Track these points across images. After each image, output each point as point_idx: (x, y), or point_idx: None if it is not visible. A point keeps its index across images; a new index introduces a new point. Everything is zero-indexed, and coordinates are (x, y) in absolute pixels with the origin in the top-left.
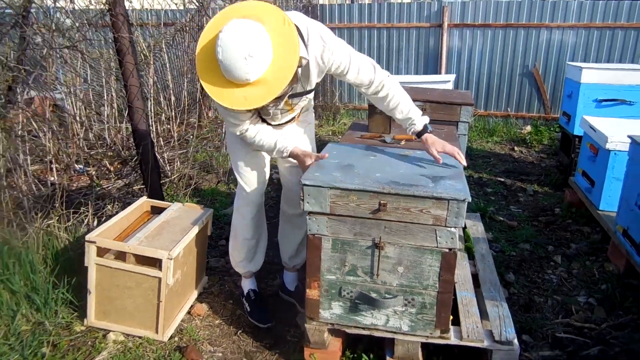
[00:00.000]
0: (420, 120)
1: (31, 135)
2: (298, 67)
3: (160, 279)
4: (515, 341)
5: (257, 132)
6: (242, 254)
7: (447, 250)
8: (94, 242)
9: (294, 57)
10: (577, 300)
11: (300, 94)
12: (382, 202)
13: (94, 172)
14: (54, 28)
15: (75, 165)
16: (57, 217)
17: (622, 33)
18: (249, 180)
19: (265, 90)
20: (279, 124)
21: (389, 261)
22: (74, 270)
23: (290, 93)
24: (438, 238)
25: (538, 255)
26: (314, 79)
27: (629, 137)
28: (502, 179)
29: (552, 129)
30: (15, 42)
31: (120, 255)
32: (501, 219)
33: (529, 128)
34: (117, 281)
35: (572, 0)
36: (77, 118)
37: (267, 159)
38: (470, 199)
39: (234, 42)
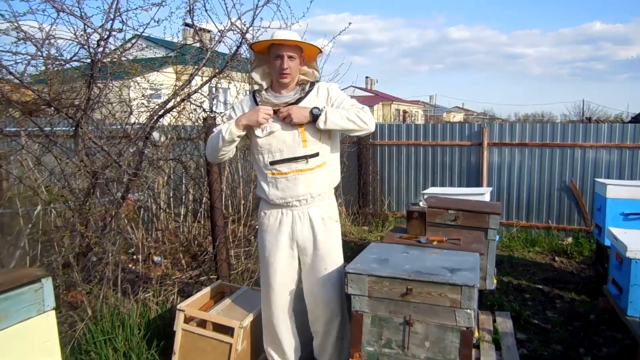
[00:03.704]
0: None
1: (118, 230)
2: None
3: (231, 345)
4: None
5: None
6: (269, 347)
7: (465, 329)
8: (183, 311)
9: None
10: None
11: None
12: (408, 287)
13: (169, 264)
14: (164, 144)
15: (154, 257)
16: (152, 292)
17: None
18: (270, 283)
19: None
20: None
21: (418, 336)
22: (160, 336)
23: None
24: (457, 318)
25: (569, 356)
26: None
27: None
28: (541, 286)
29: (592, 241)
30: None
31: (201, 324)
32: (536, 322)
33: (570, 240)
34: (197, 345)
35: (603, 124)
36: (161, 217)
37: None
38: (478, 284)
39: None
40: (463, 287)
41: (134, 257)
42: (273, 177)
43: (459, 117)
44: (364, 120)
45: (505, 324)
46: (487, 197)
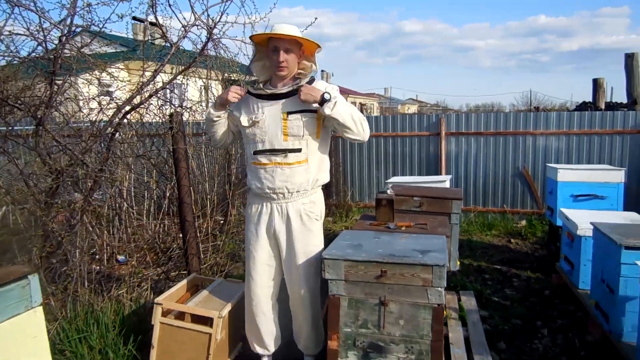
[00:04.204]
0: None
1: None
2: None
3: (210, 335)
4: None
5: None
6: (250, 335)
7: (437, 306)
8: (161, 304)
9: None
10: None
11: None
12: (383, 269)
13: (134, 262)
14: (133, 140)
15: (118, 256)
16: (125, 289)
17: (598, 138)
18: (250, 272)
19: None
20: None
21: (392, 315)
22: (136, 331)
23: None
24: (429, 296)
25: (527, 329)
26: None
27: (591, 223)
28: (499, 267)
29: (544, 222)
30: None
31: (179, 316)
32: (496, 299)
33: (524, 222)
34: (175, 337)
35: (551, 112)
36: (124, 215)
37: (274, 264)
38: (448, 265)
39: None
40: (434, 267)
41: (96, 257)
42: (255, 167)
43: (413, 108)
44: (364, 128)
45: (469, 302)
46: (447, 184)
